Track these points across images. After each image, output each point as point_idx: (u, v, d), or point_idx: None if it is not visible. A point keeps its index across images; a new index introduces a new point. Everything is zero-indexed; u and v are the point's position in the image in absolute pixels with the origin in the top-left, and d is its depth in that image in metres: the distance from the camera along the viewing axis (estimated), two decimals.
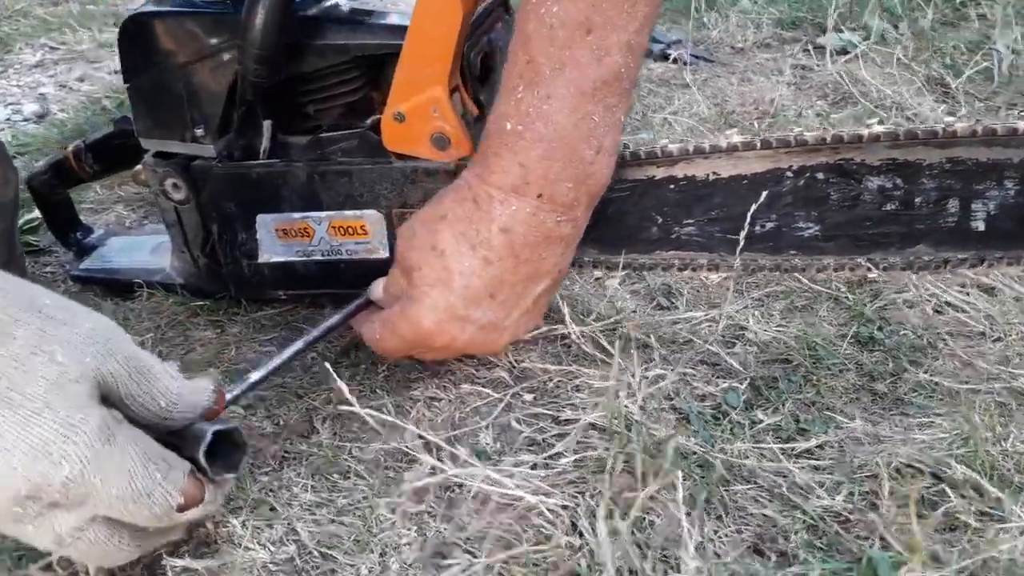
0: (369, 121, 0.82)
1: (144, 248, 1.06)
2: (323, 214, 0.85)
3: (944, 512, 0.60)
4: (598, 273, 0.90)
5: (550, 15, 0.60)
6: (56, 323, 0.44)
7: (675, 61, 1.56)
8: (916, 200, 0.70)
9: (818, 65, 1.54)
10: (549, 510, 0.63)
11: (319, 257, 0.87)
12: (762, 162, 0.73)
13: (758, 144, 0.72)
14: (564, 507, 0.63)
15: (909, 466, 0.64)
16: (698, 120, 1.28)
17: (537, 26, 0.60)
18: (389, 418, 0.72)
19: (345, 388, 0.68)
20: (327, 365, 0.75)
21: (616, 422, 0.67)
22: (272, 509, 0.69)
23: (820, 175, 0.72)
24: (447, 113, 0.76)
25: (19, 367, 0.42)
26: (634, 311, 0.86)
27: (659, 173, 0.75)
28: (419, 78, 0.75)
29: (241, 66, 0.76)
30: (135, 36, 0.81)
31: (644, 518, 0.63)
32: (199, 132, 0.84)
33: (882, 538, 0.60)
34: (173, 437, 0.51)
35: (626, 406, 0.69)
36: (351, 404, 0.68)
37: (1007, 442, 0.64)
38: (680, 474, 0.64)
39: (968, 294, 0.82)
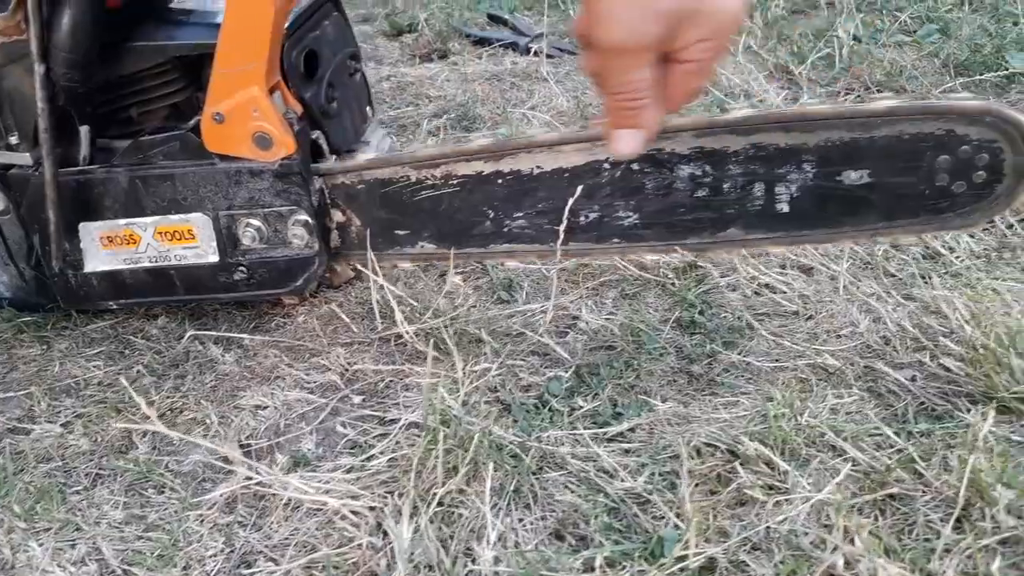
0: (192, 122, 0.80)
1: None
2: (148, 220, 0.82)
3: (736, 487, 0.61)
4: (442, 266, 0.89)
5: None
6: None
7: (536, 54, 1.56)
8: (724, 186, 0.72)
9: None
10: (353, 512, 0.62)
11: (147, 264, 0.85)
12: (581, 155, 0.74)
13: (574, 139, 0.72)
14: (371, 508, 0.63)
15: (709, 445, 0.66)
16: (556, 114, 1.29)
17: None
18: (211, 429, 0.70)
19: (143, 403, 0.66)
20: (126, 384, 0.73)
21: (432, 418, 0.66)
22: (77, 529, 0.67)
23: (635, 165, 0.73)
24: (268, 113, 0.74)
25: None
26: (474, 306, 0.86)
27: (487, 168, 0.76)
28: (236, 78, 0.73)
29: (51, 70, 0.73)
30: None
31: (453, 512, 0.63)
32: (13, 140, 0.80)
33: (678, 515, 0.61)
34: None
35: (448, 402, 0.68)
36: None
37: (802, 417, 0.66)
38: (491, 466, 0.64)
39: (787, 275, 0.84)
